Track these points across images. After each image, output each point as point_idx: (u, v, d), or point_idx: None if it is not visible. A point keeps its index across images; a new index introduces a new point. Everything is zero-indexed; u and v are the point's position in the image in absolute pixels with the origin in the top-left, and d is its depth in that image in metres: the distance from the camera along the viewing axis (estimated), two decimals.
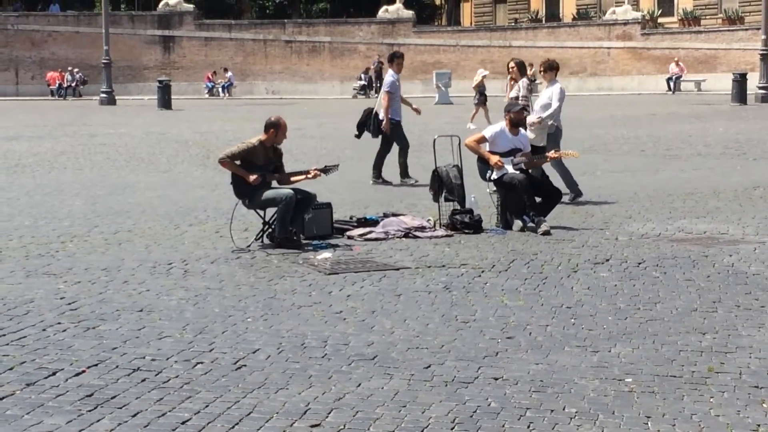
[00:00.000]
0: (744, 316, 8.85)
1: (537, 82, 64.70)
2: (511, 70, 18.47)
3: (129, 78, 62.76)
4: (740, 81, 46.71)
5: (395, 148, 19.23)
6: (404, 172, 19.41)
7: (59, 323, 8.76)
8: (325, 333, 8.40)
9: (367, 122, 19.80)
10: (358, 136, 20.31)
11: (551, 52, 65.60)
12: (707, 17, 69.84)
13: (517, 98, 16.88)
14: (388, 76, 20.40)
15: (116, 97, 53.12)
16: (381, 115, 19.42)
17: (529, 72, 67.23)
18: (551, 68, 17.11)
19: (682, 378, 7.10)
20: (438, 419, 6.27)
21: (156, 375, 7.23)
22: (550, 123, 16.33)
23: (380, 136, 19.59)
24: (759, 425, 6.14)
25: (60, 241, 13.00)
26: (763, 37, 49.39)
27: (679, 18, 71.05)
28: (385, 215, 13.91)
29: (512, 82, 18.41)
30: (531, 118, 15.89)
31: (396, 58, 20.37)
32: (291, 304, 9.48)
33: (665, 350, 7.82)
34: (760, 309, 9.10)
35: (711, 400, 6.62)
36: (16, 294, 9.88)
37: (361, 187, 18.24)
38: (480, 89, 38.00)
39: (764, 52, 47.88)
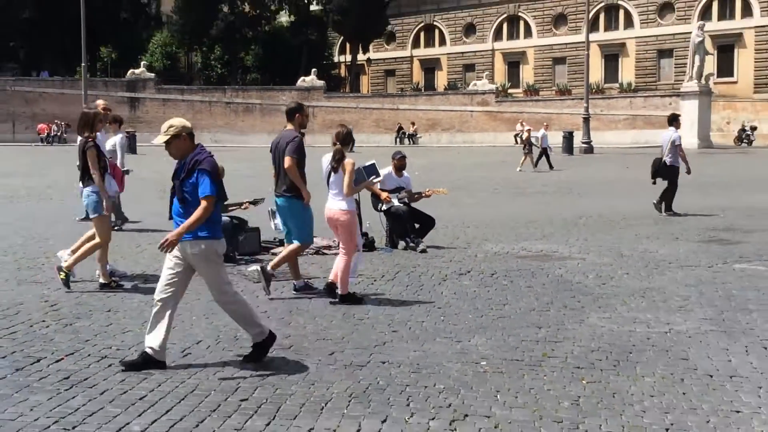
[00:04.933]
0: (570, 314, 8.98)
1: (419, 136, 65.31)
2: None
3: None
4: (568, 137, 47.81)
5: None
6: (668, 207, 18.46)
7: (43, 321, 8.57)
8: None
9: (659, 169, 18.78)
10: (654, 183, 19.14)
11: (429, 113, 66.53)
12: (544, 89, 71.33)
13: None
14: (673, 132, 18.98)
15: None
16: (668, 162, 18.51)
17: (410, 129, 67.48)
18: (115, 121, 16.02)
19: (523, 361, 7.20)
20: (339, 394, 6.28)
21: (120, 360, 7.12)
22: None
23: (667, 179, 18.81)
24: (579, 397, 6.25)
25: (45, 257, 12.68)
26: (584, 105, 50.75)
27: (524, 89, 72.46)
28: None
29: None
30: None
31: (677, 117, 19.67)
32: None
33: (511, 340, 7.90)
34: (581, 309, 9.23)
35: (544, 377, 6.73)
36: (9, 298, 9.64)
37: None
38: (528, 142, 37.54)
39: (585, 116, 49.17)
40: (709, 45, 56.72)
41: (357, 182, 9.59)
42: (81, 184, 10.65)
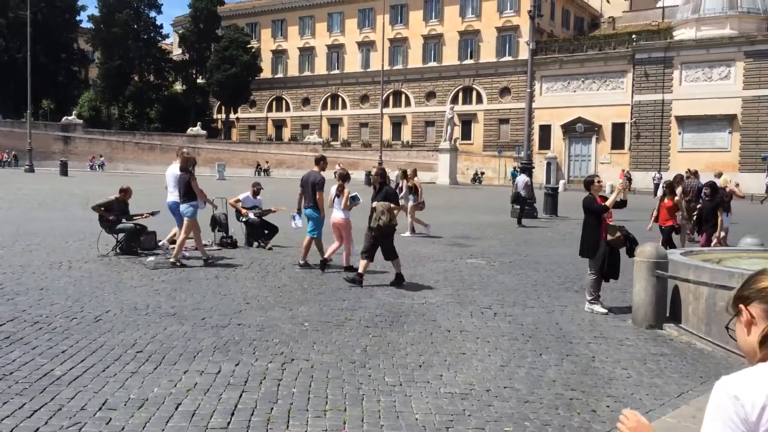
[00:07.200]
0: (364, 291, 8.98)
1: (271, 170, 63.49)
2: None
3: (44, 158, 56.83)
4: (369, 174, 48.64)
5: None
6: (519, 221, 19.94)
7: None
8: (147, 301, 7.96)
9: (516, 198, 20.55)
10: (512, 205, 21.01)
11: (278, 156, 65.75)
12: (354, 142, 72.07)
13: None
14: (526, 177, 21.46)
15: (35, 168, 48.08)
16: (523, 194, 20.72)
17: (265, 165, 65.38)
18: None
19: (332, 322, 7.22)
20: (207, 347, 6.10)
21: (48, 325, 6.63)
22: None
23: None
24: (367, 346, 6.34)
25: None
26: (379, 154, 51.67)
27: (341, 142, 72.91)
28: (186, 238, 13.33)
29: None
30: None
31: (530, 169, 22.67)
32: (130, 285, 8.92)
33: (325, 309, 7.88)
34: (372, 288, 9.29)
35: (345, 333, 6.77)
36: None
37: (172, 222, 17.25)
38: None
39: (380, 161, 50.06)
40: (456, 119, 59.22)
41: (350, 202, 10.51)
42: (179, 200, 10.92)
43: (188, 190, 10.71)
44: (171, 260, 10.65)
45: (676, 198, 13.18)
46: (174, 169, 11.27)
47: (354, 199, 10.64)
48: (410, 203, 16.91)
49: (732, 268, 7.27)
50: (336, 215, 10.57)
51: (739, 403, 1.54)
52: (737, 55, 52.37)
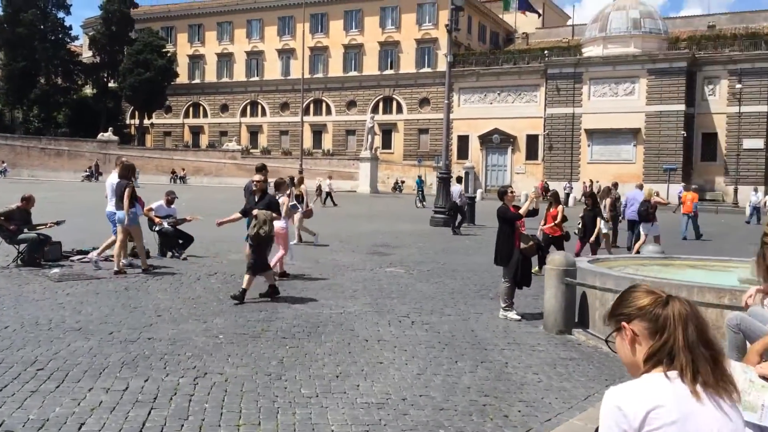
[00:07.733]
0: (281, 301, 8.97)
1: (187, 178, 61.75)
2: None
3: None
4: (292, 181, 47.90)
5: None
6: (458, 228, 20.68)
7: None
8: (50, 315, 7.55)
9: (452, 207, 21.18)
10: (449, 214, 21.43)
11: (195, 163, 64.13)
12: (274, 150, 71.25)
13: None
14: (459, 187, 22.64)
15: None
16: (459, 203, 21.46)
17: (181, 173, 63.49)
18: None
19: (248, 334, 7.08)
20: (114, 362, 5.84)
21: None
22: None
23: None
24: (283, 357, 6.25)
25: None
26: (300, 162, 51.27)
27: (261, 150, 71.92)
28: (93, 248, 12.74)
29: None
30: None
31: (461, 178, 24.46)
32: (32, 299, 8.44)
33: (241, 320, 7.73)
34: (289, 298, 9.29)
35: (261, 345, 6.64)
36: None
37: (79, 231, 16.46)
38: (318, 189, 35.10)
39: (300, 170, 49.65)
40: (377, 129, 59.65)
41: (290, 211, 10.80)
42: (114, 208, 11.06)
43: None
44: (142, 268, 10.98)
45: (559, 206, 13.60)
46: (113, 179, 11.32)
47: (294, 208, 10.66)
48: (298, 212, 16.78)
49: (635, 275, 7.65)
50: (276, 224, 10.15)
51: (621, 413, 1.66)
52: (641, 72, 55.33)
